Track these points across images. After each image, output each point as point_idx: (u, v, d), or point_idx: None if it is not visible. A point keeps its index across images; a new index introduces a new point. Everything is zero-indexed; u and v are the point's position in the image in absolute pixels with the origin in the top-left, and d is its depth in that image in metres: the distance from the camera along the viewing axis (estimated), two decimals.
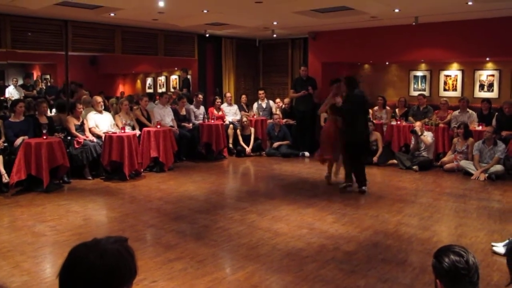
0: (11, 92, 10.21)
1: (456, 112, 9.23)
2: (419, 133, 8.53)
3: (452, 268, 1.72)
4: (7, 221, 5.48)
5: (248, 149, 10.04)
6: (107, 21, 9.27)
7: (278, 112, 10.82)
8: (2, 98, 9.98)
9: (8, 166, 6.63)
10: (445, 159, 8.60)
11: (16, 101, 7.56)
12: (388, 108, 10.23)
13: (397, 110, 10.08)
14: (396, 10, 8.01)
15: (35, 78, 11.84)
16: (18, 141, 6.97)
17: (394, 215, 5.67)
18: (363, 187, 6.85)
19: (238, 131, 10.18)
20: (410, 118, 9.58)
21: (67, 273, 1.31)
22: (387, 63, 11.34)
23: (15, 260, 4.18)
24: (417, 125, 8.66)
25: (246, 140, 10.13)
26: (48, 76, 11.93)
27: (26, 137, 7.02)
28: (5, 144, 6.93)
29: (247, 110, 11.17)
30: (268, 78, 12.87)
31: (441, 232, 5.15)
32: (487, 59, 9.74)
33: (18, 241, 4.70)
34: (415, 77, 11.06)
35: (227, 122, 10.29)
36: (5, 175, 6.53)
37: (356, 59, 11.19)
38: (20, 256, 4.29)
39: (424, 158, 8.56)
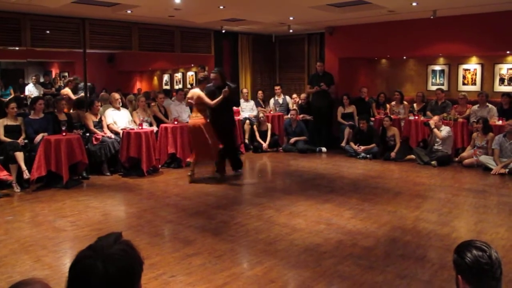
0: (31, 90, 10.39)
1: (475, 107, 9.08)
2: (432, 126, 8.44)
3: (474, 263, 1.69)
4: (28, 216, 5.59)
5: (264, 145, 10.04)
6: (124, 18, 9.35)
7: (294, 107, 10.78)
8: (22, 95, 10.15)
9: (28, 163, 6.77)
10: (464, 154, 8.47)
11: (36, 99, 7.69)
12: (405, 103, 10.12)
13: (415, 105, 9.95)
14: (414, 4, 7.90)
15: (53, 75, 12.01)
16: (38, 138, 7.08)
17: (412, 211, 5.61)
18: (239, 170, 7.84)
19: (255, 127, 10.19)
20: (428, 113, 9.45)
21: (80, 286, 1.26)
22: (404, 57, 11.20)
23: (36, 255, 4.26)
24: (434, 119, 8.55)
25: (263, 136, 10.13)
26: (66, 74, 12.10)
27: (45, 134, 7.13)
28: (26, 141, 7.05)
29: (263, 106, 11.16)
30: (284, 74, 12.84)
31: (460, 228, 5.09)
32: (507, 52, 9.55)
33: (40, 236, 4.79)
34: (433, 71, 10.90)
35: (243, 118, 10.30)
36: (26, 171, 6.65)
37: (373, 54, 11.08)
38: (42, 250, 4.37)
39: (443, 153, 8.45)
